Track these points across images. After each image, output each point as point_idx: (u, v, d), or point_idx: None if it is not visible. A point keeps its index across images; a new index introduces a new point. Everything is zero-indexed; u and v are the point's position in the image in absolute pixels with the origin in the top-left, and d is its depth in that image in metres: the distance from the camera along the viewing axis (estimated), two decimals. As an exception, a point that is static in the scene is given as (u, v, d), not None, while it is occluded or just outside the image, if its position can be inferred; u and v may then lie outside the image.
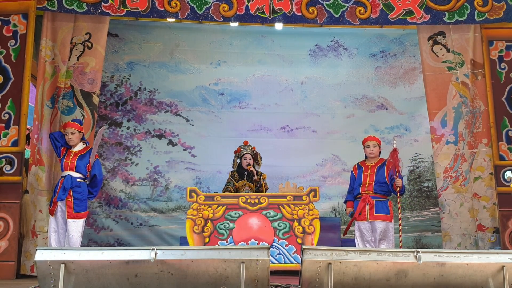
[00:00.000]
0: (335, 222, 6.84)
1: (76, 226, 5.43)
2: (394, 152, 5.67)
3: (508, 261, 3.60)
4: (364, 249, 3.88)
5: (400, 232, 5.75)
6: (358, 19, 6.35)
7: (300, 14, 6.32)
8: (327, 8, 6.34)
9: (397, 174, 5.60)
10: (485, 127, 6.39)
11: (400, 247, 5.63)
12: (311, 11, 6.32)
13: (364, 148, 5.86)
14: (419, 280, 3.61)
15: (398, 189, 5.61)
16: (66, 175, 5.50)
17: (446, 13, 6.36)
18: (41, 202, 5.94)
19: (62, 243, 5.44)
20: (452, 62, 6.56)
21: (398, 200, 5.75)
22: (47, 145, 6.08)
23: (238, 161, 6.67)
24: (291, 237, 5.76)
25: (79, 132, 5.70)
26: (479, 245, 6.17)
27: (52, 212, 5.48)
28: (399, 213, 5.78)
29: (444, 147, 6.48)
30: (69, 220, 5.42)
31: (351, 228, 5.93)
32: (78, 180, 5.52)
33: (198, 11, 6.29)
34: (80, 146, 5.68)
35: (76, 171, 5.53)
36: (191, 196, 5.86)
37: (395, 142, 5.76)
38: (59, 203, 5.46)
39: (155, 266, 3.54)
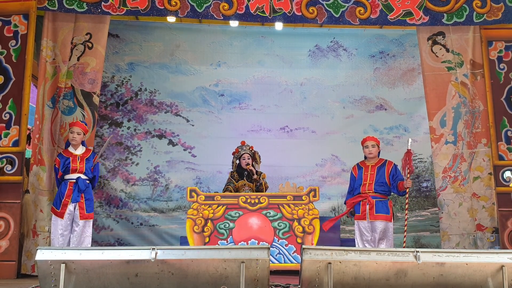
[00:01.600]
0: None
1: (89, 226, 5.60)
2: (409, 153, 5.68)
3: (507, 260, 3.61)
4: (363, 249, 3.89)
5: (405, 233, 5.76)
6: (358, 19, 6.36)
7: (300, 14, 6.33)
8: (327, 8, 6.35)
9: (408, 176, 5.61)
10: (484, 127, 6.40)
11: (404, 247, 5.64)
12: (311, 11, 6.34)
13: (363, 148, 5.87)
14: (418, 280, 3.62)
15: (408, 190, 5.62)
16: (77, 178, 5.55)
17: (445, 14, 6.38)
18: (42, 202, 5.95)
19: (69, 246, 5.49)
20: (452, 62, 6.58)
21: (407, 201, 5.75)
22: (48, 145, 6.11)
23: (237, 161, 6.68)
24: (291, 236, 5.77)
25: (84, 134, 5.75)
26: (478, 244, 6.18)
27: (62, 214, 5.51)
28: (406, 214, 5.78)
29: (443, 147, 6.49)
30: (82, 221, 5.53)
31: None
32: (87, 181, 5.63)
33: (198, 10, 6.30)
34: (82, 149, 5.72)
35: (84, 173, 5.61)
36: (191, 196, 5.87)
37: (409, 143, 5.74)
38: (70, 206, 5.50)
39: (155, 265, 3.55)
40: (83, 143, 5.81)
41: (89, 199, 5.61)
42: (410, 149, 5.70)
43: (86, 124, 5.94)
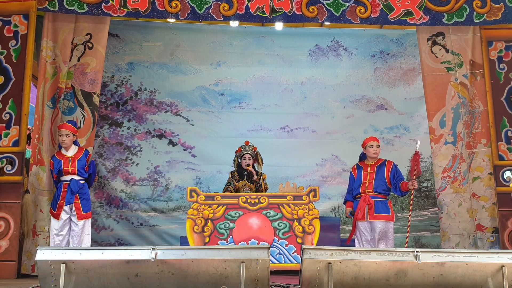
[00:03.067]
0: (335, 222, 6.86)
1: (87, 226, 5.63)
2: (417, 155, 5.67)
3: (507, 260, 3.61)
4: (364, 249, 3.89)
5: (408, 234, 5.76)
6: (358, 18, 6.36)
7: (300, 13, 6.33)
8: (328, 7, 6.35)
9: (414, 177, 5.61)
10: (484, 127, 6.40)
11: (406, 247, 5.64)
12: (311, 10, 6.34)
13: (366, 148, 5.82)
14: (418, 280, 3.62)
15: (413, 190, 5.59)
16: (70, 179, 5.56)
17: (445, 14, 6.38)
18: (42, 202, 5.95)
19: (69, 246, 5.50)
20: (451, 63, 6.57)
21: (411, 202, 5.75)
22: (48, 145, 6.11)
23: (239, 160, 6.67)
24: (291, 236, 5.77)
25: (73, 135, 5.73)
26: (478, 245, 6.18)
27: (57, 216, 5.53)
28: (409, 214, 5.77)
29: (443, 147, 6.49)
30: (80, 222, 5.56)
31: (350, 228, 5.93)
32: (81, 182, 5.63)
33: (198, 11, 6.30)
34: (74, 150, 5.71)
35: (78, 174, 5.61)
36: (191, 196, 5.87)
37: (418, 145, 5.72)
38: (65, 207, 5.51)
39: (155, 265, 3.56)
40: (76, 143, 5.81)
41: (85, 199, 5.62)
42: (418, 151, 5.69)
43: (75, 124, 5.90)
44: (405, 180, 5.74)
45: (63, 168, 5.57)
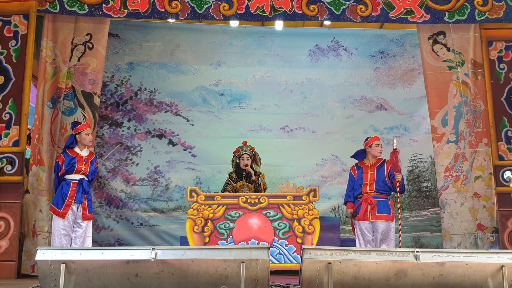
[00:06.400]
0: (335, 222, 6.85)
1: (89, 228, 5.67)
2: (395, 152, 5.70)
3: (507, 260, 3.61)
4: (363, 249, 3.90)
5: (400, 232, 5.76)
6: (359, 16, 6.36)
7: (300, 12, 6.33)
8: (328, 6, 6.34)
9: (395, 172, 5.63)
10: (485, 126, 6.39)
11: (400, 247, 5.65)
12: (311, 8, 6.33)
13: (372, 146, 5.81)
14: (418, 280, 3.63)
15: (398, 184, 5.60)
16: (81, 179, 5.58)
17: (446, 12, 6.37)
18: (42, 202, 5.95)
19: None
20: (453, 61, 6.57)
21: (398, 200, 5.74)
22: (48, 145, 6.11)
23: (237, 161, 6.68)
24: (291, 236, 5.77)
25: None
26: (479, 244, 6.18)
27: (64, 215, 5.52)
28: (399, 213, 5.78)
29: (445, 146, 6.48)
30: (84, 223, 5.59)
31: (351, 228, 5.94)
32: (88, 183, 5.69)
33: (198, 11, 6.30)
34: (86, 151, 5.77)
35: (87, 175, 5.67)
36: (191, 196, 5.88)
37: (395, 142, 5.77)
38: (73, 206, 5.53)
39: (155, 265, 3.56)
40: None
41: (90, 200, 5.69)
42: (396, 148, 5.72)
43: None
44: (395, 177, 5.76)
45: (77, 166, 5.59)
